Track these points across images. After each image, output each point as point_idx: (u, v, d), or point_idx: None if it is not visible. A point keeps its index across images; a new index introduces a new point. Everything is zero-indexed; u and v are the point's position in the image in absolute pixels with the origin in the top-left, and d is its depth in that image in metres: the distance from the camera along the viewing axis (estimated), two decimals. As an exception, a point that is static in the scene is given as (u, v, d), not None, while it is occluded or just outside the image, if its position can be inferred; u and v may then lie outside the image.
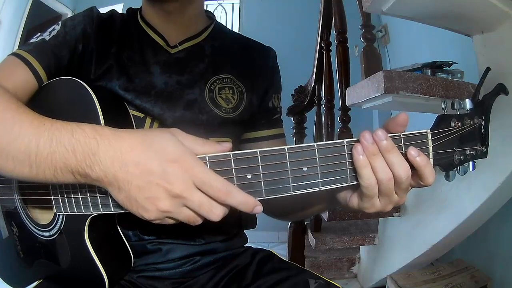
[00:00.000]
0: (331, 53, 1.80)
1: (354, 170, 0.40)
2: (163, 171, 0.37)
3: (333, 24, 1.69)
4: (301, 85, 2.10)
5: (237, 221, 0.73)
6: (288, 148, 0.39)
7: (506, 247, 1.32)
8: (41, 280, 0.60)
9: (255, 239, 2.75)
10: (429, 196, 1.36)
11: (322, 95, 1.86)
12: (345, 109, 1.57)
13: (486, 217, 1.24)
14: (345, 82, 1.58)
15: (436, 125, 0.42)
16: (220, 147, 0.40)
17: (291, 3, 3.01)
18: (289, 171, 0.40)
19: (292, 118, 2.02)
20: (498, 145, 1.01)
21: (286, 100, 2.04)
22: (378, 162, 0.39)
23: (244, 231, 0.78)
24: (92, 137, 0.38)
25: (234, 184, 0.39)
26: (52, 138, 0.39)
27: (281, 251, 2.24)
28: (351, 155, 0.40)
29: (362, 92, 1.20)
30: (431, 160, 0.42)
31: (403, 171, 0.40)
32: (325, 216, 1.45)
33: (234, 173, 0.39)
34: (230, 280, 0.63)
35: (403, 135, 0.41)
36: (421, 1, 0.99)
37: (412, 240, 1.43)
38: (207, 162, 0.39)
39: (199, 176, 0.37)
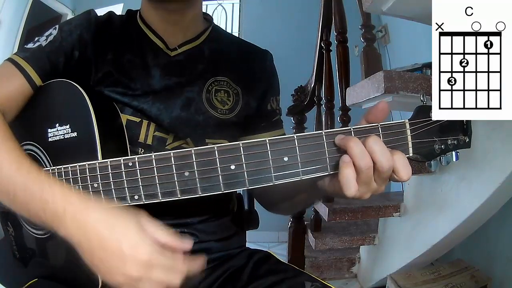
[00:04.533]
0: (331, 53, 1.80)
1: (333, 160, 0.42)
2: (121, 253, 0.39)
3: (333, 24, 1.69)
4: (301, 85, 2.10)
5: (235, 221, 0.73)
6: (269, 139, 0.41)
7: (506, 247, 1.32)
8: (35, 280, 0.60)
9: (255, 239, 2.76)
10: (429, 196, 1.36)
11: (322, 95, 1.86)
12: (345, 109, 1.57)
13: (486, 217, 1.24)
14: (345, 82, 1.58)
15: (415, 115, 0.43)
16: (180, 244, 0.42)
17: (291, 3, 3.01)
18: (270, 161, 0.41)
19: (292, 118, 2.01)
20: (498, 145, 1.01)
21: (286, 100, 2.05)
22: (357, 148, 0.40)
23: (245, 231, 0.78)
24: (59, 201, 0.41)
25: (219, 176, 0.42)
26: (26, 190, 0.43)
27: (281, 251, 2.25)
28: (330, 145, 0.42)
29: (362, 92, 1.20)
30: (410, 150, 0.42)
31: (386, 159, 0.40)
32: (325, 216, 1.45)
33: (218, 164, 0.41)
34: (224, 281, 0.63)
35: (381, 125, 0.42)
36: (421, 1, 0.99)
37: (412, 240, 1.43)
38: (193, 155, 0.42)
39: (158, 264, 0.40)
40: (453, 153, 0.44)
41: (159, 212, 0.60)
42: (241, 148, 0.41)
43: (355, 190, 0.41)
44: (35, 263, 0.61)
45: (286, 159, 0.41)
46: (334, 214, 1.42)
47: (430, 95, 0.43)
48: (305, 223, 1.79)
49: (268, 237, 2.79)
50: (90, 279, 0.52)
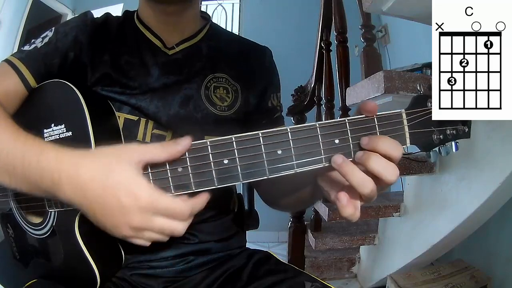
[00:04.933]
0: (331, 53, 1.80)
1: (328, 151, 0.41)
2: (120, 205, 0.39)
3: (333, 24, 1.69)
4: (301, 85, 2.10)
5: (235, 221, 0.73)
6: (261, 132, 0.41)
7: (506, 247, 1.32)
8: (35, 280, 0.60)
9: (255, 239, 2.76)
10: (429, 196, 1.36)
11: (322, 95, 1.86)
12: (345, 109, 1.57)
13: (486, 217, 1.24)
14: (345, 82, 1.58)
15: (412, 105, 0.42)
16: (180, 147, 0.40)
17: (291, 3, 3.01)
18: (263, 154, 0.41)
19: (292, 118, 2.01)
20: (498, 145, 1.01)
21: (286, 100, 2.04)
22: (356, 177, 0.39)
23: (245, 231, 0.78)
24: (54, 166, 0.41)
25: (212, 170, 0.41)
26: (24, 159, 0.43)
27: (281, 251, 2.25)
28: (324, 137, 0.41)
29: (362, 92, 1.20)
30: (407, 140, 0.42)
31: (392, 175, 0.39)
32: (325, 216, 1.45)
33: (211, 158, 0.41)
34: (224, 281, 0.63)
35: (377, 115, 0.41)
36: (421, 1, 0.99)
37: (412, 240, 1.43)
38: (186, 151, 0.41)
39: (158, 207, 0.39)
40: (453, 143, 0.43)
41: None
42: (234, 142, 0.41)
43: (358, 217, 0.41)
44: (35, 264, 0.61)
45: (279, 152, 0.41)
46: (334, 214, 1.42)
47: (430, 81, 0.42)
48: (305, 223, 1.79)
49: (268, 237, 2.79)
50: (89, 278, 0.53)
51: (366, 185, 0.39)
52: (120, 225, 0.40)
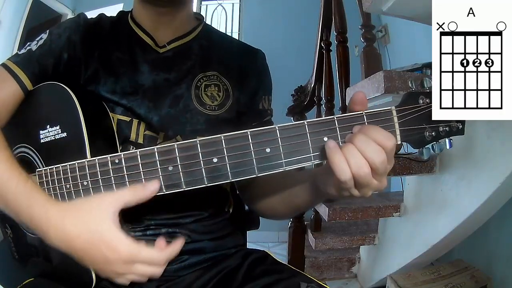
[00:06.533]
0: (331, 53, 1.80)
1: (317, 149, 0.41)
2: (105, 258, 0.45)
3: (333, 24, 1.69)
4: (301, 85, 2.10)
5: (235, 222, 0.72)
6: (250, 131, 0.41)
7: (506, 247, 1.32)
8: (31, 279, 0.60)
9: (255, 239, 2.75)
10: (429, 196, 1.36)
11: (322, 95, 1.87)
12: (345, 109, 1.56)
13: (486, 217, 1.24)
14: (345, 82, 1.58)
15: (403, 102, 0.42)
16: (148, 193, 0.44)
17: (291, 3, 3.01)
18: (252, 152, 0.41)
19: (292, 118, 2.01)
20: (498, 145, 1.01)
21: (286, 100, 2.05)
22: (350, 154, 0.39)
23: (245, 231, 0.78)
24: (43, 219, 0.46)
25: (202, 169, 0.42)
26: (16, 200, 0.47)
27: (281, 251, 2.25)
28: (312, 135, 0.41)
29: (362, 92, 1.20)
30: (398, 137, 0.41)
31: (377, 156, 0.39)
32: (325, 216, 1.45)
33: (200, 157, 0.42)
34: (218, 282, 0.62)
35: (366, 112, 0.41)
36: (421, 1, 0.99)
37: (412, 240, 1.43)
38: (176, 149, 0.42)
39: (138, 258, 0.46)
40: (446, 140, 0.42)
41: (151, 212, 0.60)
42: (223, 140, 0.41)
43: (349, 174, 0.40)
44: (33, 263, 0.61)
45: (268, 150, 0.41)
46: (334, 214, 1.42)
47: (422, 78, 0.42)
48: (305, 223, 1.79)
49: (268, 237, 2.79)
50: (85, 277, 0.53)
51: (360, 166, 0.39)
52: (106, 271, 0.46)
